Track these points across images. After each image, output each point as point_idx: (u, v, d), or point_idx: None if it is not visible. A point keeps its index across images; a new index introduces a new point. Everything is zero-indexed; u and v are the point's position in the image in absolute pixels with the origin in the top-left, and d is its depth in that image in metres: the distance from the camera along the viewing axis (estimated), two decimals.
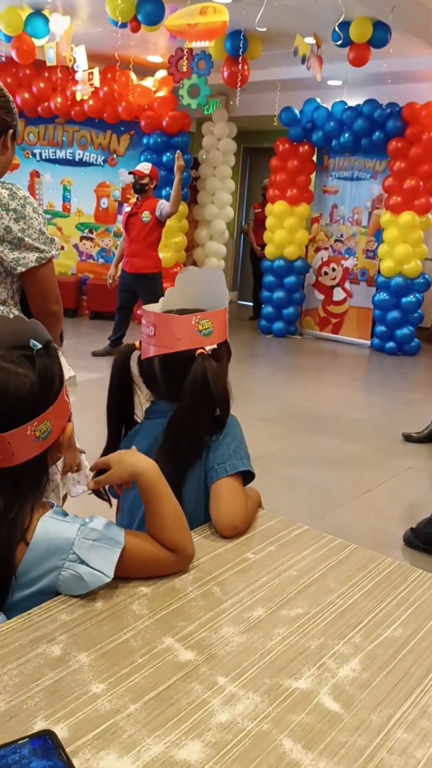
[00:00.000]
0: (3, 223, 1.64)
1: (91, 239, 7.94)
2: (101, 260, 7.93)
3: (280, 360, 5.09)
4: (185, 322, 1.25)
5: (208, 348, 1.25)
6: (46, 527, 0.96)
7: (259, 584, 1.04)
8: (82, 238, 7.93)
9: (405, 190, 6.26)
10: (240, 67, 5.51)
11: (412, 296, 6.40)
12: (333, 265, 7.18)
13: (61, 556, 0.94)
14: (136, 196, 5.75)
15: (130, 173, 5.76)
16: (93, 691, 0.78)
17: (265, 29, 4.83)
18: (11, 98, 1.72)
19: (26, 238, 1.67)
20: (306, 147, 7.05)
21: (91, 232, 7.93)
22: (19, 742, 0.68)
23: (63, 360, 2.10)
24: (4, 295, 1.76)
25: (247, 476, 1.26)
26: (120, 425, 1.37)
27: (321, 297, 7.33)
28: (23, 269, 1.70)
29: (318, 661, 0.86)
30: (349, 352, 6.77)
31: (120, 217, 7.81)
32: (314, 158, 7.19)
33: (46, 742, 0.68)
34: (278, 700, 0.79)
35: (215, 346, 1.27)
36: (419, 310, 6.54)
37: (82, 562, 0.94)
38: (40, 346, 0.98)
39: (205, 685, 0.80)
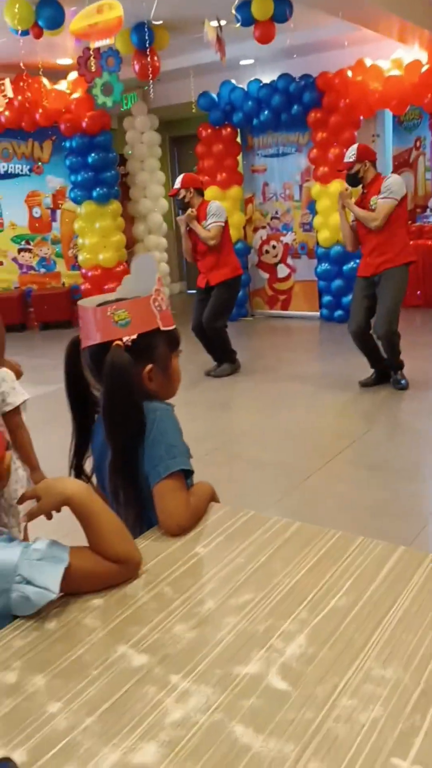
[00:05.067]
0: None
1: (29, 250, 7.84)
2: (42, 269, 7.85)
3: (237, 343, 5.13)
4: (100, 313, 1.26)
5: (126, 339, 1.26)
6: None
7: (209, 577, 1.07)
8: (20, 251, 7.83)
9: (330, 159, 6.33)
10: (149, 58, 5.47)
11: (352, 263, 6.49)
12: (273, 242, 7.23)
13: (7, 579, 0.96)
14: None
15: (172, 196, 5.03)
16: (49, 711, 0.80)
17: (160, 22, 4.81)
18: None
19: None
20: (228, 129, 7.06)
21: (28, 243, 7.83)
22: None
23: (16, 384, 2.10)
24: None
25: (188, 473, 1.28)
26: (83, 418, 1.39)
27: (266, 276, 7.38)
28: None
29: (266, 643, 0.89)
30: (301, 326, 6.84)
31: (55, 224, 7.74)
32: (238, 139, 7.21)
33: None
34: (229, 688, 0.82)
35: (135, 336, 1.27)
36: None
37: (28, 582, 0.96)
38: None
39: (158, 686, 0.83)
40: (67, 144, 7.07)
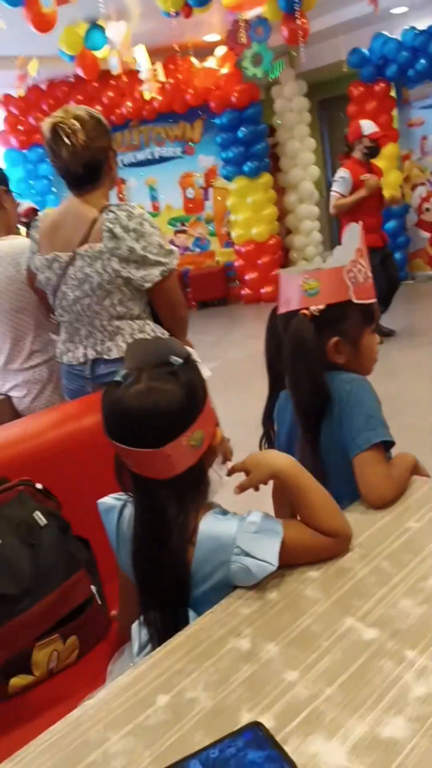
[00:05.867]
0: (126, 245, 1.73)
1: (185, 231, 8.05)
2: (197, 249, 8.04)
3: (396, 308, 4.92)
4: (292, 282, 1.26)
5: (313, 308, 1.24)
6: (209, 527, 1.01)
7: (428, 552, 1.03)
8: (176, 233, 8.07)
9: None
10: (299, 22, 5.33)
11: None
12: None
13: (226, 551, 0.99)
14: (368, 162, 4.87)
15: (369, 138, 4.80)
16: (288, 680, 0.82)
17: None
18: (106, 121, 1.81)
19: (148, 255, 1.75)
20: (381, 84, 6.73)
21: (183, 224, 8.05)
22: (231, 736, 0.73)
23: (199, 362, 2.17)
24: (137, 310, 1.85)
25: (388, 444, 1.24)
26: (278, 385, 1.41)
27: (426, 235, 7.00)
28: (150, 284, 1.79)
29: None
30: None
31: (208, 203, 7.86)
32: (392, 93, 6.85)
33: (257, 733, 0.73)
34: None
35: (322, 306, 1.25)
36: None
37: (247, 554, 0.98)
38: (181, 361, 1.03)
39: (394, 661, 0.82)
40: (217, 121, 7.13)
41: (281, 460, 1.09)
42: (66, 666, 1.35)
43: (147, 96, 6.73)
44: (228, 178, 7.35)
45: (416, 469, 1.30)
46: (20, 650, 1.29)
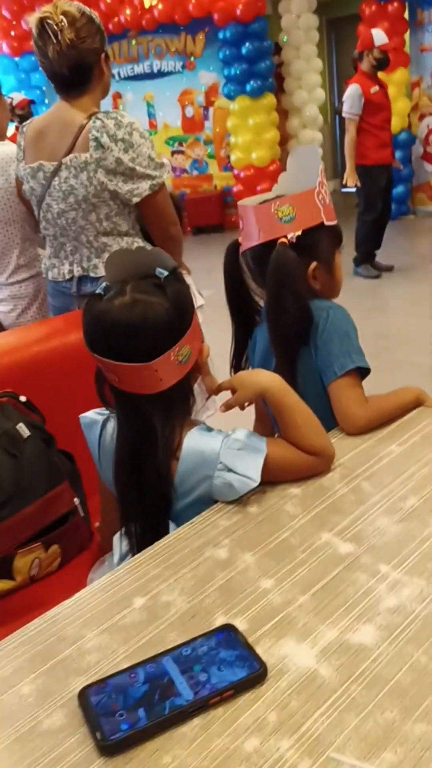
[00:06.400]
0: (113, 155, 1.65)
1: (182, 152, 7.80)
2: (195, 172, 7.80)
3: (395, 243, 4.84)
4: (263, 211, 1.21)
5: (291, 235, 1.21)
6: (194, 442, 1.01)
7: (408, 475, 1.04)
8: (173, 153, 7.81)
9: None
10: None
11: None
12: None
13: (210, 466, 0.99)
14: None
15: (380, 49, 4.64)
16: (263, 587, 0.83)
17: None
18: (99, 21, 1.70)
19: (137, 167, 1.68)
20: (395, 4, 6.40)
21: (180, 144, 7.79)
22: (204, 636, 0.74)
23: (193, 288, 2.13)
24: (126, 227, 1.80)
25: (364, 371, 1.23)
26: (243, 322, 1.39)
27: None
28: (138, 199, 1.72)
29: None
30: None
31: (207, 123, 7.58)
32: (406, 16, 6.51)
33: (229, 634, 0.74)
34: None
35: (299, 232, 1.21)
36: None
37: (230, 470, 0.98)
38: (166, 273, 0.99)
39: (368, 574, 0.83)
40: (221, 35, 6.78)
41: (268, 378, 1.08)
42: (47, 574, 1.38)
43: (147, 3, 6.38)
44: (230, 97, 7.05)
45: (421, 402, 1.27)
46: (2, 556, 1.30)
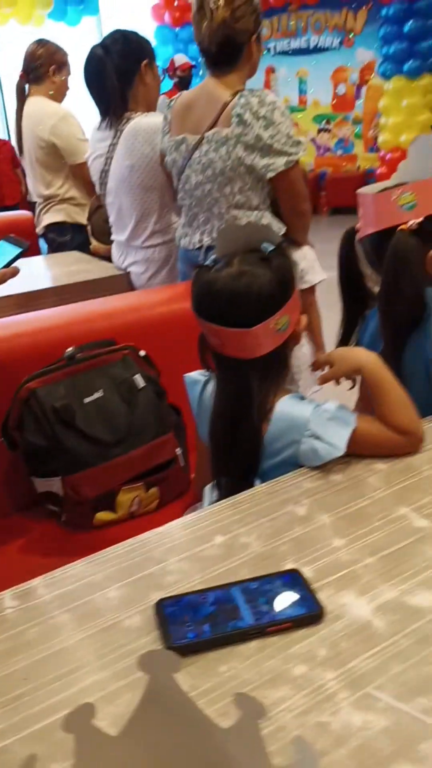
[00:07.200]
0: (254, 132, 1.73)
1: (329, 130, 7.70)
2: (339, 152, 7.69)
3: None
4: (384, 199, 1.23)
5: (412, 222, 1.22)
6: (286, 407, 1.08)
7: None
8: (319, 131, 7.75)
9: None
10: None
11: None
12: None
13: (298, 431, 1.05)
14: None
15: None
16: (334, 545, 0.89)
17: None
18: (258, 2, 1.76)
19: (275, 144, 1.74)
20: None
21: (328, 122, 7.70)
22: (272, 575, 0.82)
23: (316, 263, 2.17)
24: (257, 201, 1.87)
25: None
26: (353, 309, 1.42)
27: None
28: (273, 174, 1.79)
29: None
30: None
31: (358, 102, 7.42)
32: None
33: (295, 577, 0.81)
34: None
35: (420, 219, 1.22)
36: None
37: (317, 437, 1.04)
38: (272, 247, 1.06)
39: None
40: (384, 11, 6.59)
41: (365, 355, 1.12)
42: (146, 512, 1.51)
43: None
44: (386, 76, 6.86)
45: None
46: (108, 489, 1.45)
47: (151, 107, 2.21)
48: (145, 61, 2.09)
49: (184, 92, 1.97)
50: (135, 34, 2.12)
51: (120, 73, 2.05)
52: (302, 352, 2.16)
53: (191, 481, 1.55)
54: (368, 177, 7.45)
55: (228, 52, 1.75)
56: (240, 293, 1.04)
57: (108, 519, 1.47)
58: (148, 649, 0.68)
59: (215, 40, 1.73)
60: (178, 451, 1.54)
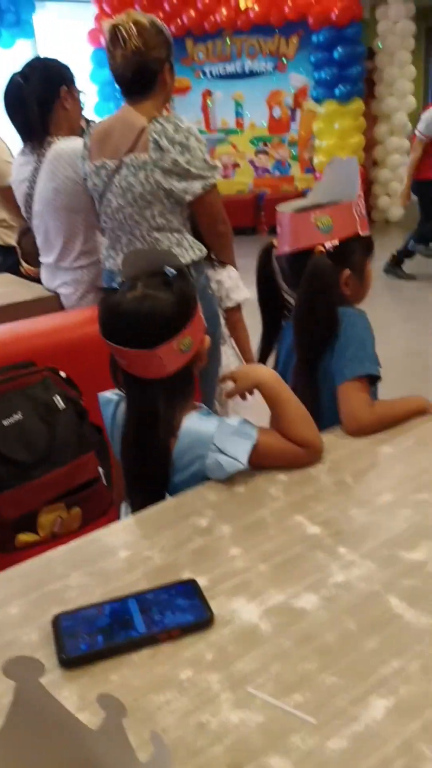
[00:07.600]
0: (170, 157, 1.78)
1: (266, 152, 7.88)
2: (277, 173, 7.87)
3: None
4: (302, 219, 1.29)
5: (327, 244, 1.29)
6: (192, 423, 1.12)
7: (392, 474, 1.11)
8: (257, 153, 7.91)
9: None
10: None
11: None
12: None
13: (204, 445, 1.10)
14: None
15: None
16: (231, 554, 0.93)
17: None
18: (169, 34, 1.82)
19: (192, 168, 1.80)
20: None
21: (265, 144, 7.87)
22: (168, 586, 0.85)
23: (240, 282, 2.24)
24: (177, 224, 1.92)
25: (374, 378, 1.29)
26: (272, 322, 1.48)
27: None
28: (191, 197, 1.85)
29: None
30: None
31: (293, 125, 7.63)
32: None
33: (188, 587, 0.85)
34: (392, 567, 0.88)
35: (336, 242, 1.29)
36: None
37: (221, 451, 1.09)
38: (174, 272, 1.11)
39: (327, 554, 0.92)
40: (314, 38, 6.82)
41: (264, 372, 1.19)
42: (68, 532, 1.52)
43: (243, 5, 6.49)
44: (318, 100, 7.09)
45: (424, 411, 1.32)
46: (29, 510, 1.46)
47: (73, 131, 2.25)
48: (64, 87, 2.13)
49: (102, 119, 2.02)
50: (55, 60, 2.16)
51: (40, 100, 2.08)
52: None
53: (114, 500, 1.57)
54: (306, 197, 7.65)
55: (142, 80, 1.81)
56: (143, 315, 1.08)
57: (30, 540, 1.47)
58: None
59: (131, 67, 1.79)
60: (100, 470, 1.56)
